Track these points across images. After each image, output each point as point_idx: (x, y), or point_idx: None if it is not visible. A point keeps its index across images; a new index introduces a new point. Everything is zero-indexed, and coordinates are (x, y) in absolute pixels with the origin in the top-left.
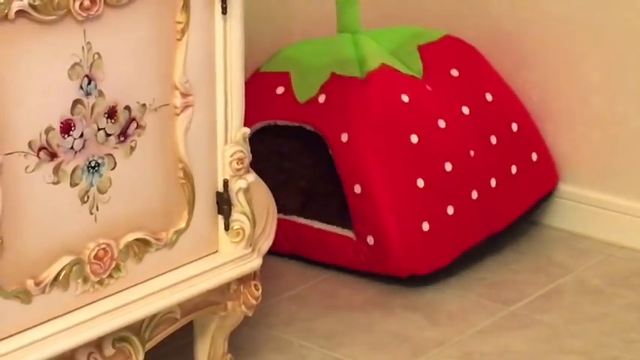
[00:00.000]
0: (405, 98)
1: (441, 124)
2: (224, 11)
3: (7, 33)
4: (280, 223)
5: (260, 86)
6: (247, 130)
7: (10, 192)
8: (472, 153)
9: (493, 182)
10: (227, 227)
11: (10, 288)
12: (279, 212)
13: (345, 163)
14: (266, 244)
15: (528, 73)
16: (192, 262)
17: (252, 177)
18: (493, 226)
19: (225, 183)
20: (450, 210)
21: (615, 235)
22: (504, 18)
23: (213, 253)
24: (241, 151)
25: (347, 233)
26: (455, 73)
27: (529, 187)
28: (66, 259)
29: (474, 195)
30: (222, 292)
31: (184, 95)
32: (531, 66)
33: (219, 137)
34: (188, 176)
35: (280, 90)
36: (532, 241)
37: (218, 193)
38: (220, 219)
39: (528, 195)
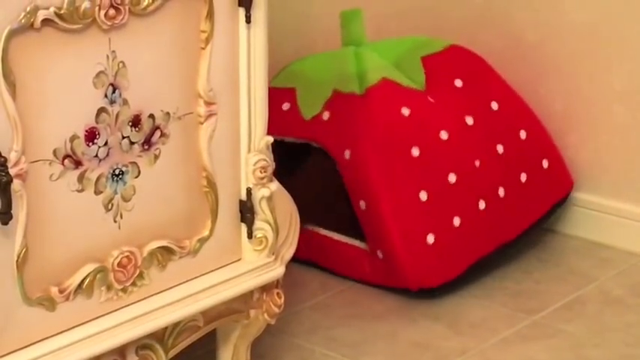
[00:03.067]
0: (405, 112)
1: (444, 135)
2: (248, 20)
3: (32, 41)
4: (303, 231)
5: (269, 103)
6: (271, 139)
7: (35, 200)
8: (477, 163)
9: (501, 191)
10: (250, 235)
11: (35, 295)
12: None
13: (349, 179)
14: (289, 252)
15: (551, 83)
16: (215, 270)
17: (275, 185)
18: (504, 236)
19: (249, 191)
20: (457, 221)
21: (638, 244)
22: (527, 28)
23: (236, 261)
24: (264, 160)
25: (363, 246)
26: (459, 83)
27: (541, 195)
28: (90, 267)
29: (482, 205)
30: (245, 300)
31: (208, 104)
32: (554, 76)
33: (242, 146)
34: (211, 184)
35: (286, 106)
36: (554, 251)
37: (241, 202)
38: (243, 227)
39: (541, 202)
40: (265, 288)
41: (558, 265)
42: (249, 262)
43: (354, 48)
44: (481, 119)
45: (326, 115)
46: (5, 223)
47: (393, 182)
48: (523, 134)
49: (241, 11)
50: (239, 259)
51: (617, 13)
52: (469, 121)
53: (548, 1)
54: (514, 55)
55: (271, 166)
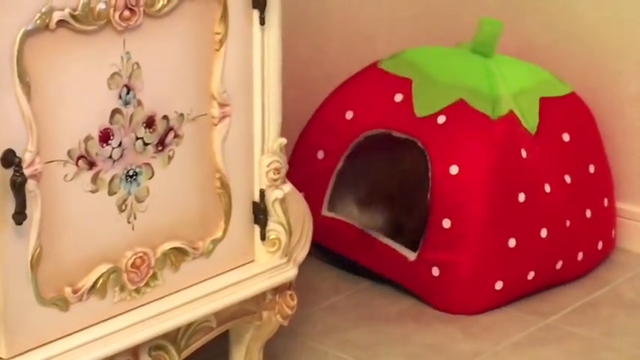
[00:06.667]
0: (523, 153)
1: (547, 188)
2: (262, 22)
3: (47, 42)
4: (341, 225)
5: (379, 87)
6: (284, 140)
7: (49, 200)
8: (568, 223)
9: (580, 256)
10: (263, 237)
11: (49, 295)
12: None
13: (443, 194)
14: (302, 254)
15: None
16: (228, 271)
17: (288, 187)
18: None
19: (262, 193)
20: (531, 275)
21: None
22: (540, 31)
23: (249, 262)
24: (278, 161)
25: (404, 252)
26: (566, 137)
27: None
28: (103, 268)
29: (559, 265)
30: (258, 301)
31: (222, 105)
32: (567, 80)
33: (256, 147)
34: (225, 186)
35: (399, 97)
36: None
37: (254, 203)
38: (256, 229)
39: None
40: (278, 289)
41: None
42: (262, 264)
43: (483, 60)
44: (577, 180)
45: (442, 119)
46: (19, 223)
47: (492, 220)
48: (606, 202)
49: (255, 13)
50: (252, 261)
51: (630, 16)
52: (567, 179)
53: (561, 4)
54: (526, 58)
55: (284, 167)
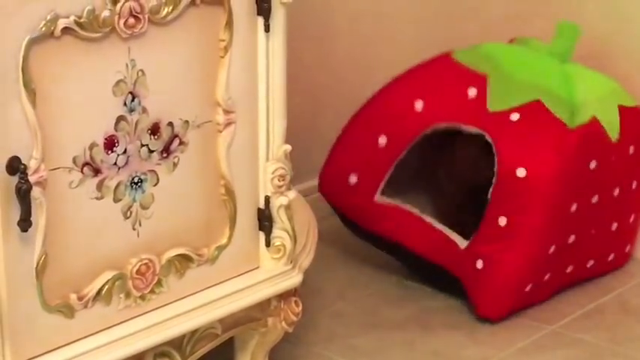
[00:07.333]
0: (592, 164)
1: (595, 198)
2: (267, 29)
3: (53, 50)
4: (395, 210)
5: (452, 79)
6: (288, 147)
7: (54, 207)
8: (593, 232)
9: (590, 263)
10: (268, 243)
11: (54, 302)
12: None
13: (505, 192)
14: (307, 260)
15: None
16: (233, 278)
17: (293, 194)
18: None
19: (267, 200)
20: (547, 276)
21: None
22: (546, 36)
23: (254, 269)
24: (283, 168)
25: (456, 239)
26: (631, 150)
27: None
28: (109, 274)
29: (569, 269)
30: (263, 308)
31: (227, 112)
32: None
33: (260, 154)
34: (230, 193)
35: (472, 92)
36: None
37: (259, 210)
38: (261, 235)
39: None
40: (283, 296)
41: None
42: (267, 270)
43: (560, 64)
44: (621, 194)
45: (515, 117)
46: (25, 231)
47: (547, 227)
48: (632, 218)
49: (260, 20)
50: (257, 267)
51: (637, 21)
52: (615, 192)
53: (567, 10)
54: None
55: (289, 174)
